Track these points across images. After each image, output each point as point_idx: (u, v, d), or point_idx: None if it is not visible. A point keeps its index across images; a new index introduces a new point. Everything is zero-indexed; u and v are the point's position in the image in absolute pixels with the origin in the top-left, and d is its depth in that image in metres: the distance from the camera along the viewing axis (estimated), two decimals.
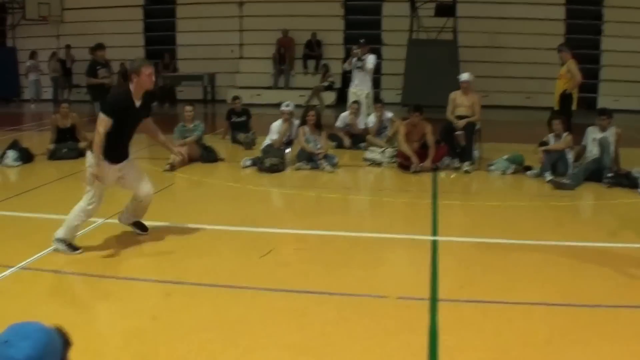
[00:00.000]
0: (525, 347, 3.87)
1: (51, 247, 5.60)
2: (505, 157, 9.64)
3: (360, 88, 12.30)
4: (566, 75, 10.55)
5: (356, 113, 11.73)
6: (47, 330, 1.96)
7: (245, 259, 5.54)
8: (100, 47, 12.39)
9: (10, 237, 6.16)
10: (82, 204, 5.61)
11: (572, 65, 10.50)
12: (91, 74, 12.16)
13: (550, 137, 9.34)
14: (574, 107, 10.55)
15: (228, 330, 4.08)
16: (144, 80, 5.51)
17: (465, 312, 4.41)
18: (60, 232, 5.59)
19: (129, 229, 6.13)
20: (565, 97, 10.55)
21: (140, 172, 6.00)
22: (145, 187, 5.88)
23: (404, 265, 5.56)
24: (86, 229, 6.18)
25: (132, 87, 5.54)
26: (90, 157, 5.56)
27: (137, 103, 5.59)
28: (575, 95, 10.52)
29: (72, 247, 5.61)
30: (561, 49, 10.84)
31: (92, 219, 6.01)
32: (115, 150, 5.59)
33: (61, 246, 5.58)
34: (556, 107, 10.69)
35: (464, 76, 10.29)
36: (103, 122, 5.38)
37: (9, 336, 1.88)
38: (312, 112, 10.02)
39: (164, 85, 20.24)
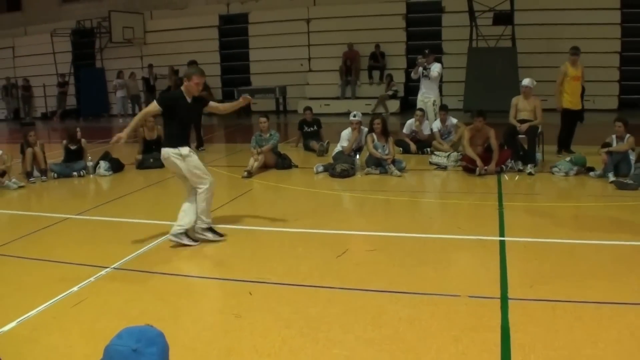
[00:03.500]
0: (596, 345, 3.71)
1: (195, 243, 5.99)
2: (568, 159, 9.38)
3: (426, 95, 12.17)
4: (582, 76, 10.95)
5: (421, 120, 11.64)
6: (163, 335, 1.96)
7: (322, 259, 5.54)
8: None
9: (105, 240, 6.37)
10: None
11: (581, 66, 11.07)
12: None
13: (613, 139, 9.01)
14: None
15: (307, 327, 4.07)
16: (192, 86, 5.99)
17: (536, 310, 4.26)
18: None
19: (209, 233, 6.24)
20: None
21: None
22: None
23: (474, 265, 5.43)
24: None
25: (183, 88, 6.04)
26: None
27: (189, 100, 6.02)
28: None
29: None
30: (577, 52, 10.97)
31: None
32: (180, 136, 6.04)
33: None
34: (579, 107, 11.03)
35: (526, 81, 10.05)
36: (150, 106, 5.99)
37: (135, 343, 1.85)
38: (377, 120, 9.95)
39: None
